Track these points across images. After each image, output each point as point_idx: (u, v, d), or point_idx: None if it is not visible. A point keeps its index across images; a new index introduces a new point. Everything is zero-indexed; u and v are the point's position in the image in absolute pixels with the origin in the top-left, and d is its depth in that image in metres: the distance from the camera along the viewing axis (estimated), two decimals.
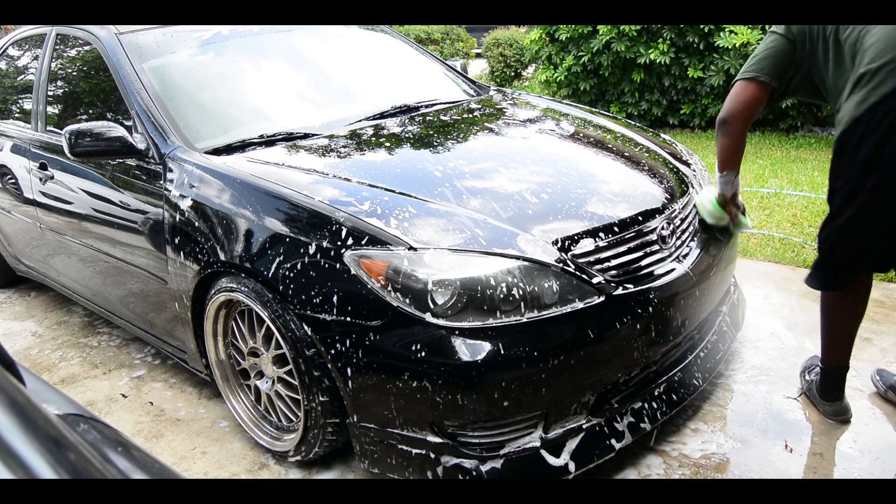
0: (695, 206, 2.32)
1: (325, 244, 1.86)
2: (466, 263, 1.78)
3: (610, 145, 2.54)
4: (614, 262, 1.96)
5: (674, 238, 2.15)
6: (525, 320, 1.77)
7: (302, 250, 1.90)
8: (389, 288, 1.78)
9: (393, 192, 2.02)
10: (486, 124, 2.68)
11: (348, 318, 1.81)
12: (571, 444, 1.89)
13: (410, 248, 1.80)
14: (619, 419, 1.99)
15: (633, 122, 2.97)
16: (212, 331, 2.28)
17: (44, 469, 0.58)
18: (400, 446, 1.87)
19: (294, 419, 2.17)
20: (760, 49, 2.08)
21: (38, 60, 3.19)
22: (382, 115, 2.68)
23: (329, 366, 1.88)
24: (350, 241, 1.84)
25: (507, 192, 2.06)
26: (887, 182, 1.83)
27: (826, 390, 2.25)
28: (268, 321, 1.99)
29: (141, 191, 2.42)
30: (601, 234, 1.97)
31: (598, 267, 1.92)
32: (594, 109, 3.08)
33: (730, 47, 5.98)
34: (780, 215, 4.17)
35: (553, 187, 2.12)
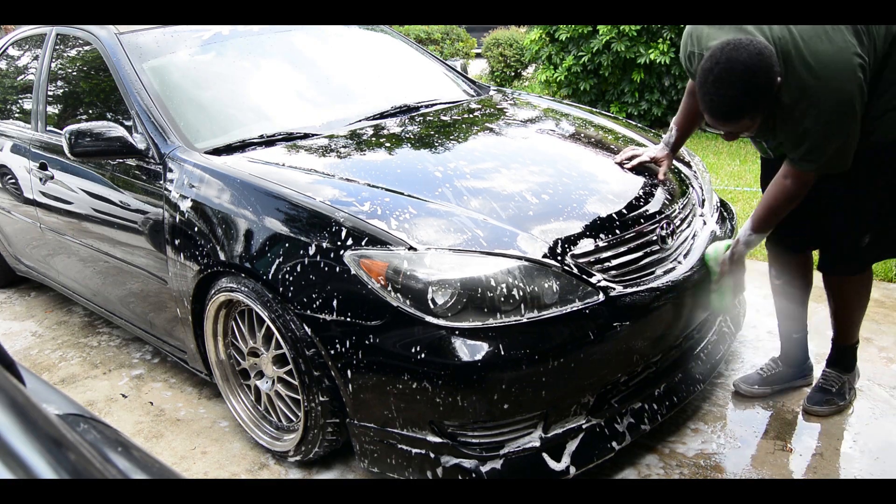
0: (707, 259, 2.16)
1: (325, 244, 1.86)
2: (466, 264, 1.78)
3: (610, 145, 2.54)
4: (614, 263, 1.96)
5: (674, 238, 2.15)
6: (525, 320, 1.77)
7: (302, 251, 1.90)
8: (389, 288, 1.78)
9: (393, 192, 2.02)
10: (486, 124, 2.68)
11: (348, 319, 1.81)
12: (571, 445, 1.89)
13: (411, 248, 1.80)
14: (618, 420, 1.98)
15: (633, 122, 2.97)
16: (212, 331, 2.28)
17: (44, 469, 0.58)
18: (400, 446, 1.87)
19: (294, 419, 2.17)
20: (840, 137, 1.81)
21: (38, 60, 3.19)
22: (382, 115, 2.68)
23: (329, 366, 1.88)
24: (350, 242, 1.84)
25: (508, 193, 2.06)
26: None
27: (852, 362, 2.32)
28: (268, 321, 1.99)
29: (141, 191, 2.42)
30: (601, 235, 1.97)
31: (599, 267, 1.92)
32: (594, 109, 3.08)
33: None
34: None
35: (553, 187, 2.12)
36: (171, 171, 2.31)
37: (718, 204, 2.59)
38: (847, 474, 2.03)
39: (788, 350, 2.41)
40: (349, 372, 1.83)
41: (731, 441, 2.19)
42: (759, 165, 2.35)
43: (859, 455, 2.09)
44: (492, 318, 1.76)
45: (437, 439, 1.82)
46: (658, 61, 6.24)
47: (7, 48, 3.60)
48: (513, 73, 10.60)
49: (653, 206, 2.14)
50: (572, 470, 1.86)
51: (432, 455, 1.84)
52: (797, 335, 2.39)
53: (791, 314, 2.36)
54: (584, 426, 1.91)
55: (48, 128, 3.07)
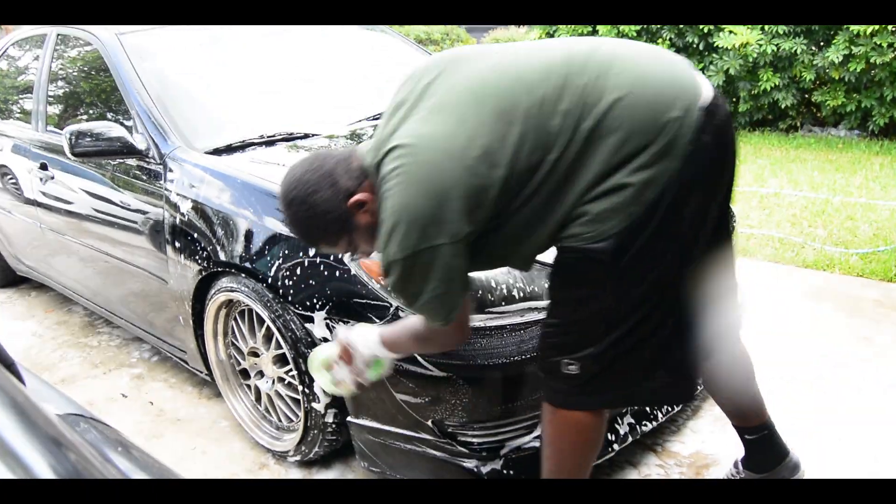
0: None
1: None
2: None
3: None
4: None
5: None
6: (525, 320, 1.77)
7: (302, 251, 1.90)
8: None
9: None
10: None
11: (348, 319, 1.81)
12: None
13: None
14: (619, 420, 1.98)
15: None
16: (212, 330, 2.28)
17: (43, 469, 0.58)
18: (400, 445, 1.87)
19: (294, 419, 2.17)
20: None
21: (39, 61, 3.19)
22: (381, 116, 2.67)
23: None
24: None
25: None
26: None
27: None
28: (268, 321, 1.99)
29: (141, 191, 2.42)
30: None
31: None
32: None
33: (729, 47, 5.97)
34: (779, 215, 4.17)
35: None
36: (171, 170, 2.31)
37: None
38: (846, 474, 2.03)
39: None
40: None
41: (729, 441, 2.19)
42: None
43: (858, 455, 2.10)
44: (492, 319, 1.76)
45: (438, 439, 1.82)
46: None
47: (8, 49, 3.60)
48: None
49: None
50: None
51: (432, 455, 1.84)
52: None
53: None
54: None
55: (49, 128, 3.07)
